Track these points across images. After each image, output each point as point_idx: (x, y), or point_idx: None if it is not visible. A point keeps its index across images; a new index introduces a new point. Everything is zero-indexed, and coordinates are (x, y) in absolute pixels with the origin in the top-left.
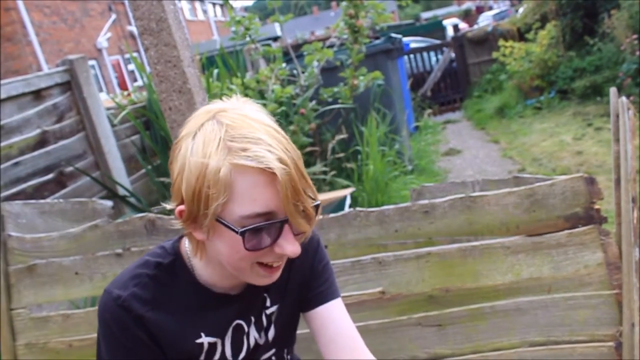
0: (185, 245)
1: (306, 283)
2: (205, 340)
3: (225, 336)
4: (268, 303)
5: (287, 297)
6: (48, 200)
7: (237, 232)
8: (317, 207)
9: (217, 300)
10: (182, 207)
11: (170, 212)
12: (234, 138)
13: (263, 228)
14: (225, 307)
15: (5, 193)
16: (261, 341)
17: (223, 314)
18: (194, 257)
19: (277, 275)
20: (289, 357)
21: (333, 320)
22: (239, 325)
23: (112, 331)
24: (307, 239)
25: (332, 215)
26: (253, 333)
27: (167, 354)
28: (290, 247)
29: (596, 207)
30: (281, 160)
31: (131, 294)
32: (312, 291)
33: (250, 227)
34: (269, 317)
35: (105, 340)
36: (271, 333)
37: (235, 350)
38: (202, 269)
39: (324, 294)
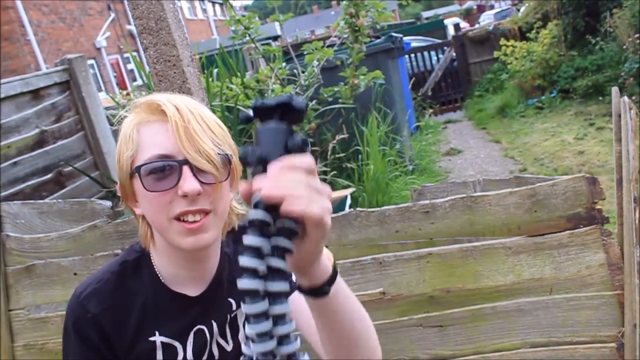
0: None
1: None
2: (158, 339)
3: (187, 342)
4: (234, 307)
5: None
6: (47, 200)
7: (135, 172)
8: (225, 157)
9: (175, 299)
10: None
11: None
12: (139, 102)
13: (162, 170)
14: (184, 309)
15: (3, 193)
16: (229, 347)
17: (181, 315)
18: (152, 251)
19: (203, 237)
20: None
21: (303, 307)
22: (200, 330)
23: (67, 327)
24: None
25: (332, 215)
26: (218, 339)
27: (120, 353)
28: (187, 184)
29: (598, 207)
30: (175, 105)
31: (92, 291)
32: None
33: (145, 163)
34: (234, 320)
35: (64, 333)
36: (242, 338)
37: (197, 357)
38: (159, 262)
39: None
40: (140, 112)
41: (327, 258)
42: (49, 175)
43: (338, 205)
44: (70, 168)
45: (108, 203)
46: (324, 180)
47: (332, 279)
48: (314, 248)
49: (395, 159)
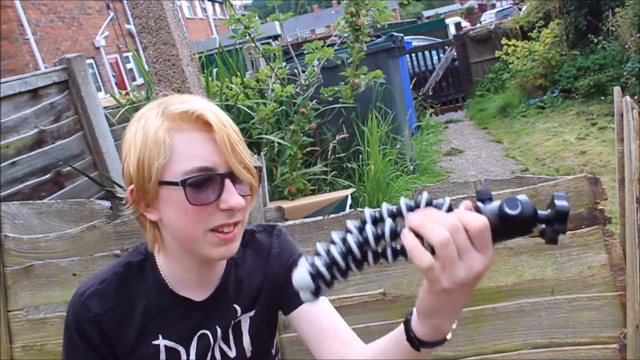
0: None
1: (281, 290)
2: (162, 342)
3: (190, 346)
4: (239, 313)
5: (260, 306)
6: (45, 200)
7: (177, 184)
8: (258, 169)
9: (180, 303)
10: (132, 186)
11: None
12: (170, 105)
13: (204, 182)
14: (188, 313)
15: (2, 193)
16: (232, 354)
17: (185, 319)
18: (157, 254)
19: (233, 246)
20: None
21: (315, 316)
22: (204, 335)
23: (69, 324)
24: (279, 249)
25: (332, 215)
26: (221, 345)
27: (121, 355)
28: (233, 199)
29: (600, 207)
30: (215, 114)
31: (94, 291)
32: (292, 294)
33: (190, 176)
34: (237, 326)
35: (65, 332)
36: (247, 344)
37: None
38: (165, 265)
39: None
40: (174, 117)
41: (449, 328)
42: (48, 176)
43: (338, 206)
44: (69, 168)
45: (107, 203)
46: (324, 180)
47: (430, 344)
48: (431, 303)
49: (396, 158)
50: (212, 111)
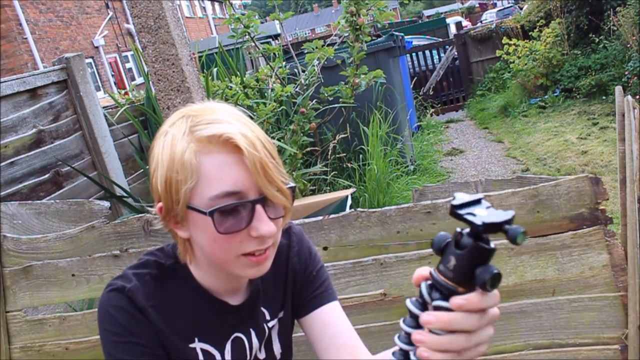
0: None
1: (299, 290)
2: (198, 345)
3: (225, 349)
4: (268, 317)
5: (286, 307)
6: (44, 200)
7: (205, 214)
8: (291, 189)
9: (215, 306)
10: (160, 203)
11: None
12: (198, 123)
13: (233, 209)
14: (223, 316)
15: (0, 193)
16: (261, 355)
17: (220, 322)
18: (190, 263)
19: (265, 266)
20: None
21: (330, 323)
22: (238, 338)
23: (117, 321)
24: (297, 247)
25: (332, 216)
26: (255, 348)
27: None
28: (264, 227)
29: (601, 207)
30: (245, 136)
31: (135, 287)
32: (307, 296)
33: (218, 206)
34: (270, 330)
35: (108, 335)
36: (277, 348)
37: None
38: (197, 273)
39: (319, 298)
40: (202, 140)
41: None
42: (47, 176)
43: (339, 206)
44: (68, 168)
45: (106, 203)
46: (324, 180)
47: None
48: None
49: (397, 158)
50: (241, 133)
